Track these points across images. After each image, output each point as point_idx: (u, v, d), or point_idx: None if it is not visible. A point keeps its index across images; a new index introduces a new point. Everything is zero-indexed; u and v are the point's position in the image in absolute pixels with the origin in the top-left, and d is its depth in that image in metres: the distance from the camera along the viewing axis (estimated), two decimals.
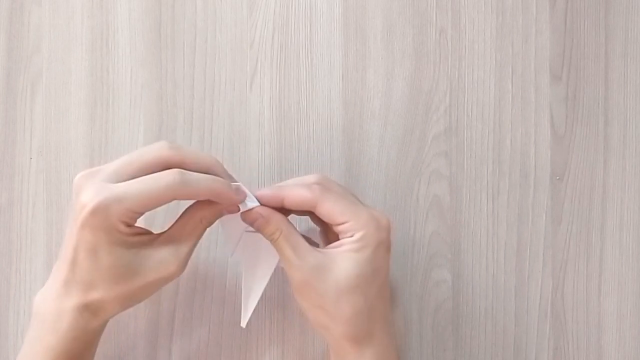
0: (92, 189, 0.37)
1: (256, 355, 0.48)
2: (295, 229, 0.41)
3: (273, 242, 0.40)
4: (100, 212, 0.36)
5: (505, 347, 0.49)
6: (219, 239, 0.48)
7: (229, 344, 0.48)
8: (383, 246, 0.40)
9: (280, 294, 0.48)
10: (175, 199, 0.38)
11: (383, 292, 0.40)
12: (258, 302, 0.43)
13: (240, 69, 0.49)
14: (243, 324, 0.43)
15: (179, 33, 0.49)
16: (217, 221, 0.41)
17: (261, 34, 0.49)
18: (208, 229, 0.41)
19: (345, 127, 0.49)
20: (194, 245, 0.40)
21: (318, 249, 0.40)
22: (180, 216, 0.41)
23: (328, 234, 0.43)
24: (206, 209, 0.40)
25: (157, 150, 0.38)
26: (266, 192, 0.40)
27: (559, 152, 0.49)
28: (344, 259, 0.39)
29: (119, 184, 0.37)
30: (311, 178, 0.41)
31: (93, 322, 0.39)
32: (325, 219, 0.40)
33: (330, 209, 0.39)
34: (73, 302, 0.38)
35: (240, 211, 0.41)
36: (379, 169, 0.49)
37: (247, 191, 0.40)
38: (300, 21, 0.49)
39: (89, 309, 0.38)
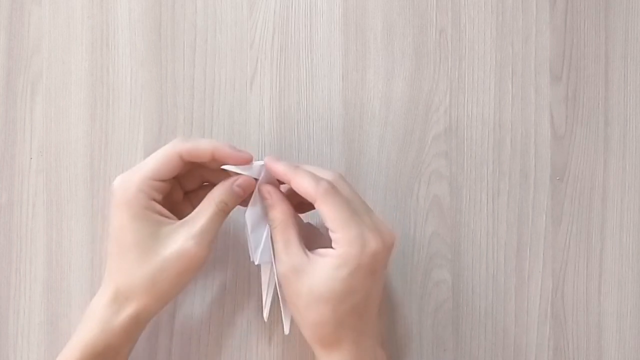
0: (120, 176, 0.42)
1: (256, 355, 0.48)
2: (295, 224, 0.41)
3: (271, 228, 0.42)
4: (122, 186, 0.41)
5: (505, 347, 0.49)
6: (220, 242, 0.48)
7: (229, 344, 0.48)
8: (363, 269, 0.39)
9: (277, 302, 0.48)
10: (181, 156, 0.41)
11: (359, 309, 0.40)
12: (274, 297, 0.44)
13: (240, 69, 0.49)
14: (265, 316, 0.44)
15: (179, 33, 0.49)
16: (246, 227, 0.42)
17: (261, 34, 0.49)
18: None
19: (345, 127, 0.49)
20: (210, 222, 0.41)
21: (308, 250, 0.41)
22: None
23: None
24: (217, 187, 0.42)
25: (172, 144, 0.42)
26: (281, 167, 0.41)
27: (559, 152, 0.49)
28: (322, 270, 0.39)
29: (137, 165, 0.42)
30: (327, 174, 0.41)
31: (122, 312, 0.40)
32: (321, 217, 0.40)
33: (326, 213, 0.39)
34: (103, 293, 0.41)
35: (257, 184, 0.42)
36: (379, 169, 0.49)
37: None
38: (300, 21, 0.49)
39: (118, 298, 0.40)
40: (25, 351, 0.48)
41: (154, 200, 0.41)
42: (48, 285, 0.48)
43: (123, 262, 0.40)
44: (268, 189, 0.42)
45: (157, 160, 0.41)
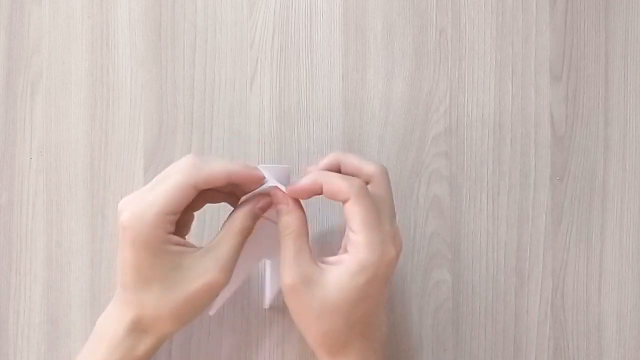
0: (126, 208, 0.39)
1: (256, 355, 0.48)
2: (308, 234, 0.40)
3: (283, 235, 0.40)
4: (135, 224, 0.38)
5: (505, 347, 0.49)
6: None
7: (229, 343, 0.48)
8: (379, 278, 0.39)
9: (280, 295, 0.48)
10: (196, 187, 0.38)
11: (369, 316, 0.40)
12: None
13: (240, 69, 0.49)
14: (266, 305, 0.45)
15: (179, 33, 0.49)
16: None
17: (261, 34, 0.49)
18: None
19: (345, 127, 0.49)
20: (234, 250, 0.40)
21: (318, 261, 0.40)
22: (221, 228, 0.41)
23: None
24: (239, 212, 0.41)
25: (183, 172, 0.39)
26: (308, 182, 0.40)
27: (559, 152, 0.49)
28: (338, 279, 0.38)
29: (146, 192, 0.39)
30: (372, 165, 0.41)
31: (144, 341, 0.39)
32: (346, 218, 0.39)
33: (356, 213, 0.38)
34: (121, 320, 0.39)
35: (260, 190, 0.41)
36: None
37: (269, 176, 0.41)
38: (300, 21, 0.49)
39: (139, 328, 0.39)
40: (25, 351, 0.48)
41: (170, 232, 0.39)
42: (48, 285, 0.48)
43: (146, 295, 0.39)
44: (283, 195, 0.41)
45: (171, 194, 0.38)
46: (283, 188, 0.41)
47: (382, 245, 0.39)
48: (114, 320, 0.40)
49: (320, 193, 0.40)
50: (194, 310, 0.40)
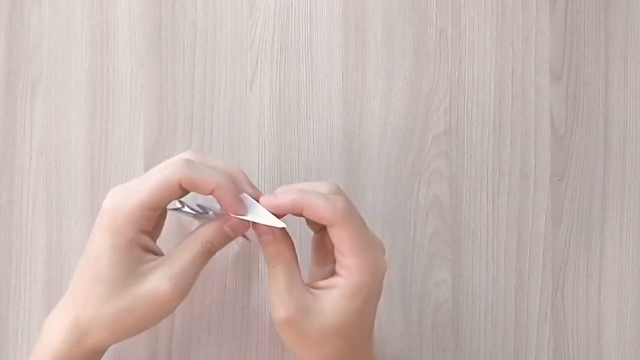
0: (112, 194, 0.37)
1: (256, 355, 0.48)
2: (296, 259, 0.39)
3: (270, 266, 0.38)
4: (112, 211, 0.36)
5: (505, 347, 0.49)
6: None
7: (229, 344, 0.48)
8: (375, 297, 0.38)
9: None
10: (182, 186, 0.36)
11: (368, 329, 0.39)
12: None
13: (240, 69, 0.49)
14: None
15: (179, 33, 0.49)
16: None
17: (261, 34, 0.49)
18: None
19: (345, 127, 0.49)
20: (193, 266, 0.37)
21: (309, 287, 0.38)
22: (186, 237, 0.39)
23: (326, 240, 0.40)
24: (206, 227, 0.39)
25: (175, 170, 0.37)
26: (288, 199, 0.37)
27: (559, 153, 0.49)
28: (334, 304, 0.37)
29: (136, 183, 0.37)
30: (324, 187, 0.38)
31: (78, 346, 0.37)
32: (333, 241, 0.37)
33: (344, 238, 0.37)
34: (62, 322, 0.37)
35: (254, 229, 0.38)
36: (379, 169, 0.49)
37: (255, 203, 0.38)
38: (300, 21, 0.49)
39: (76, 331, 0.37)
40: (25, 351, 0.48)
41: (143, 231, 0.37)
42: (48, 285, 0.48)
43: (91, 292, 0.36)
44: (269, 228, 0.38)
45: (155, 188, 0.36)
46: (262, 212, 0.38)
47: (375, 261, 0.37)
48: (56, 318, 0.38)
49: (299, 214, 0.37)
50: (133, 322, 0.37)
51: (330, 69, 0.49)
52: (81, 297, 0.37)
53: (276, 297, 0.37)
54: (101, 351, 0.39)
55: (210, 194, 0.37)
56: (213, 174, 0.37)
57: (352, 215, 0.37)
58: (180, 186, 0.37)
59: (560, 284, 0.49)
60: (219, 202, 0.38)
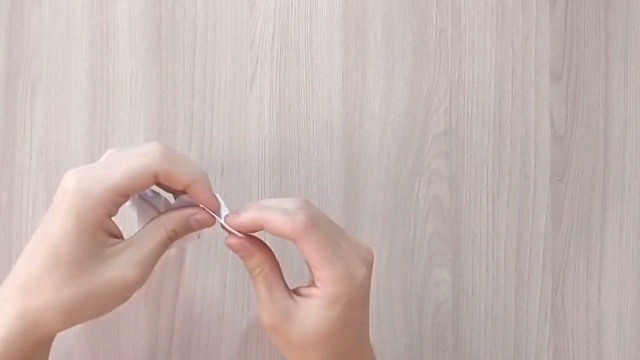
0: (73, 175, 0.36)
1: (256, 355, 0.48)
2: (278, 267, 0.39)
3: (252, 276, 0.39)
4: (79, 193, 0.35)
5: (505, 347, 0.49)
6: (219, 242, 0.48)
7: (229, 344, 0.48)
8: (355, 302, 0.37)
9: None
10: (156, 177, 0.36)
11: (357, 336, 0.39)
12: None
13: (240, 69, 0.49)
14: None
15: (179, 33, 0.49)
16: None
17: (261, 34, 0.49)
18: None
19: (345, 127, 0.49)
20: (155, 251, 0.37)
21: (294, 293, 0.38)
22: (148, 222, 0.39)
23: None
24: (174, 215, 0.38)
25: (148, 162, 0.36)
26: (245, 219, 0.37)
27: (559, 152, 0.49)
28: (313, 313, 0.37)
29: (98, 167, 0.36)
30: (291, 203, 0.37)
31: (27, 336, 0.35)
32: (301, 253, 0.37)
33: (309, 251, 0.36)
34: (11, 307, 0.35)
35: (224, 226, 0.39)
36: (379, 169, 0.49)
37: (222, 203, 0.39)
38: (300, 21, 0.49)
39: (25, 320, 0.34)
40: None
41: (110, 216, 0.36)
42: None
43: (48, 277, 0.34)
44: (242, 242, 0.38)
45: (130, 174, 0.35)
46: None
47: (349, 270, 0.37)
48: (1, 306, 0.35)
49: (262, 230, 0.37)
50: (91, 309, 0.35)
51: (330, 69, 0.49)
52: (34, 284, 0.34)
53: (260, 304, 0.38)
54: (49, 339, 0.37)
55: (183, 189, 0.37)
56: (190, 170, 0.37)
57: (314, 228, 0.36)
58: (156, 177, 0.36)
59: (560, 284, 0.49)
60: (192, 197, 0.38)
